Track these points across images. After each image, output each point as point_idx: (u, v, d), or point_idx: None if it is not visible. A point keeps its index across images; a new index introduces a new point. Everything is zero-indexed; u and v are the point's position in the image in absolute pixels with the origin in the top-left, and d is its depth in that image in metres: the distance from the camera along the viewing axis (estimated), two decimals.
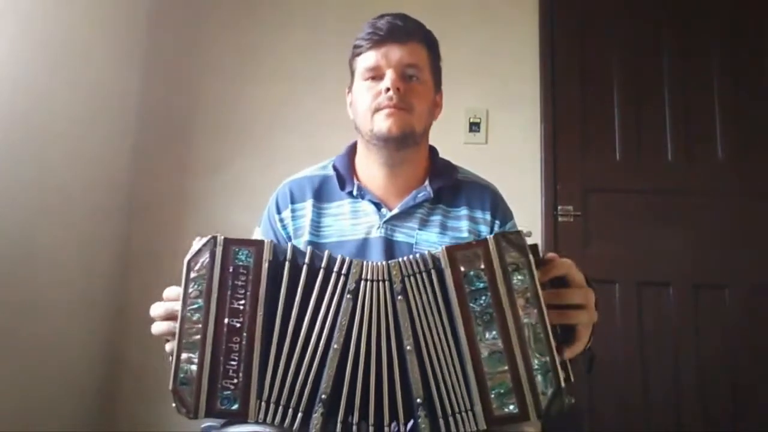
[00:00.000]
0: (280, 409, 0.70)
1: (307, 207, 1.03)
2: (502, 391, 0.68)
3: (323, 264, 0.73)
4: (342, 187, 1.03)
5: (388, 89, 0.95)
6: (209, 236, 0.72)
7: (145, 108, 2.28)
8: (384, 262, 0.74)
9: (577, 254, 2.10)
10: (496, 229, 1.03)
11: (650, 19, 2.27)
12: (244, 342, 0.71)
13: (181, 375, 0.70)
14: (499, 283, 0.70)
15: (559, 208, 2.15)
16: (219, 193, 2.23)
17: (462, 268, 0.71)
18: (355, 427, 0.70)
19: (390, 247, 0.98)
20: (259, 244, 0.73)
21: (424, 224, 1.01)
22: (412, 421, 0.70)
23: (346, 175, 1.04)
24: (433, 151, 1.10)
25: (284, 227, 1.04)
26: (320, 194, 1.05)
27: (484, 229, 1.02)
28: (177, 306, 0.73)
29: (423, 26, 1.03)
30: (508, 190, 1.11)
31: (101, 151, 2.05)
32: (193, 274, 0.72)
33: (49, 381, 1.78)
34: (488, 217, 1.03)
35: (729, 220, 2.11)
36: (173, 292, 0.77)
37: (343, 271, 0.73)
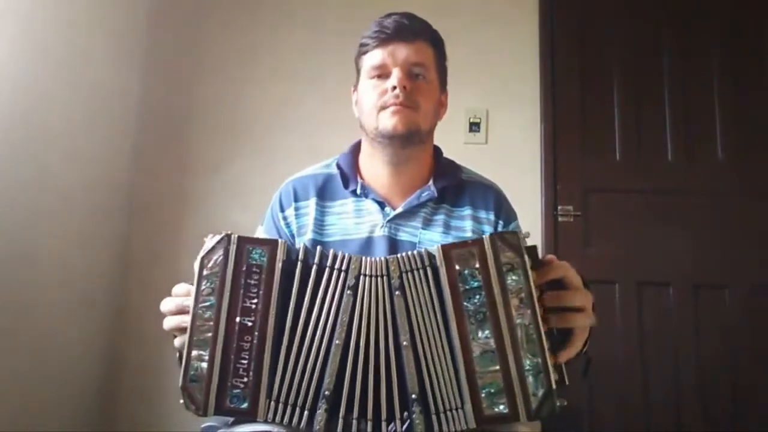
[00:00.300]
0: (289, 408, 0.70)
1: (310, 205, 1.04)
2: (492, 390, 0.69)
3: (328, 262, 0.74)
4: (346, 186, 1.04)
5: (394, 87, 0.95)
6: (223, 234, 0.73)
7: (145, 108, 2.28)
8: (383, 258, 0.74)
9: (577, 254, 2.10)
10: (500, 229, 1.03)
11: (650, 19, 2.27)
12: (255, 341, 0.71)
13: (191, 372, 0.70)
14: (494, 282, 0.70)
15: (559, 208, 2.15)
16: (219, 193, 2.23)
17: (457, 267, 0.71)
18: (354, 422, 0.70)
19: (393, 246, 0.98)
20: (273, 243, 0.73)
21: (427, 224, 1.01)
22: (407, 418, 0.70)
23: (350, 174, 1.04)
24: (437, 150, 1.11)
25: (287, 225, 1.04)
26: (324, 192, 1.05)
27: (487, 230, 1.02)
28: (188, 302, 0.73)
29: (430, 26, 1.03)
30: (508, 190, 1.11)
31: (101, 151, 2.05)
32: (206, 272, 0.72)
33: (49, 381, 1.77)
34: (492, 217, 1.03)
35: (729, 220, 2.11)
36: (182, 288, 0.77)
37: (343, 267, 0.73)
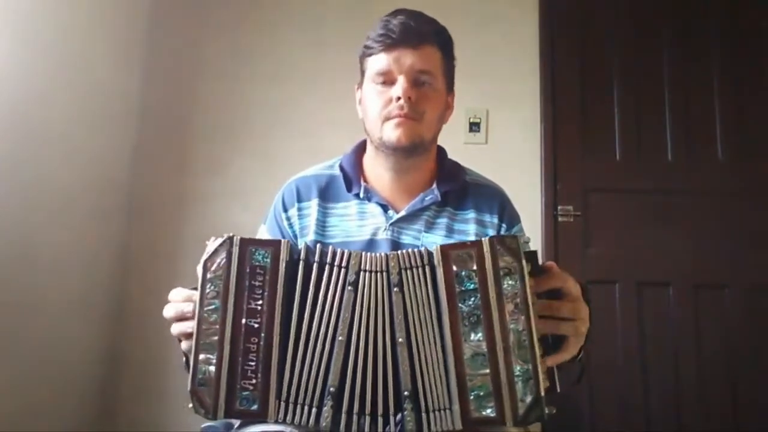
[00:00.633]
0: (298, 407, 0.71)
1: (312, 206, 1.03)
2: (481, 393, 0.69)
3: (328, 259, 0.74)
4: (349, 189, 1.03)
5: (399, 98, 0.94)
6: (225, 236, 0.73)
7: (145, 108, 2.28)
8: (383, 254, 0.74)
9: (577, 254, 2.10)
10: (503, 232, 1.03)
11: (650, 20, 2.27)
12: (262, 342, 0.71)
13: (200, 376, 0.70)
14: (490, 286, 0.70)
15: (559, 208, 2.15)
16: (219, 193, 2.23)
17: (454, 268, 0.71)
18: (355, 417, 0.71)
19: (396, 249, 0.98)
20: (276, 244, 0.73)
21: (430, 227, 1.01)
22: (400, 416, 0.71)
23: (353, 176, 1.04)
24: (441, 152, 1.10)
25: (290, 225, 1.04)
26: (326, 194, 1.04)
27: (491, 233, 1.02)
28: (188, 307, 0.73)
29: (437, 25, 1.01)
30: (508, 190, 1.10)
31: (101, 151, 2.04)
32: (209, 275, 0.72)
33: (49, 381, 1.78)
34: (495, 220, 1.03)
35: (729, 220, 2.11)
36: (179, 293, 0.77)
37: (343, 263, 0.74)
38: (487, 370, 0.69)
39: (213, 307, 0.71)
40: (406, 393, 0.70)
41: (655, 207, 2.14)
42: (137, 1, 2.26)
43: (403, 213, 1.01)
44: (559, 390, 0.71)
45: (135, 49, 2.26)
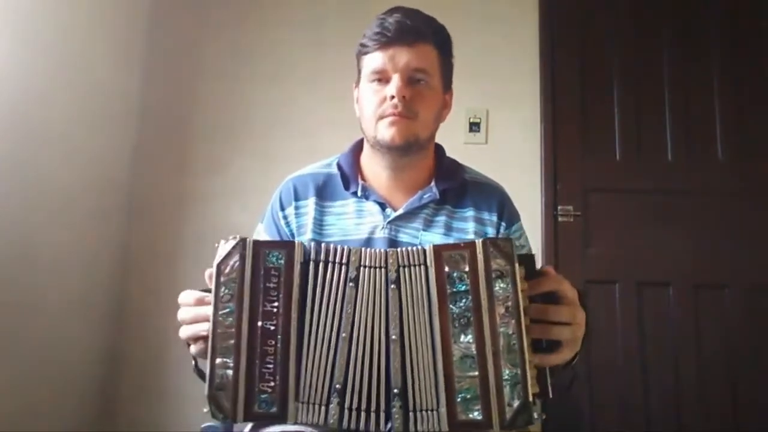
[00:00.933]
0: (312, 407, 0.71)
1: (309, 205, 1.03)
2: (468, 396, 0.68)
3: (331, 257, 0.74)
4: (347, 188, 1.03)
5: (393, 96, 0.93)
6: (237, 239, 0.72)
7: (145, 108, 2.28)
8: (383, 250, 0.74)
9: (577, 254, 2.10)
10: (503, 231, 1.02)
11: (650, 19, 2.27)
12: (278, 344, 0.71)
13: (217, 380, 0.70)
14: (481, 288, 0.70)
15: (559, 208, 2.15)
16: (219, 193, 2.23)
17: (446, 268, 0.71)
18: (354, 413, 0.71)
19: (394, 248, 0.98)
20: (290, 245, 0.73)
21: (428, 225, 1.00)
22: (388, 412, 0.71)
23: (350, 175, 1.04)
24: (440, 149, 1.09)
25: (288, 224, 1.04)
26: (323, 192, 1.04)
27: (490, 231, 1.02)
28: (202, 310, 0.73)
29: (434, 23, 1.00)
30: (508, 190, 1.10)
31: (101, 151, 2.05)
32: (223, 278, 0.71)
33: (49, 381, 1.78)
34: (494, 218, 1.03)
35: (729, 220, 2.11)
36: (189, 296, 0.77)
37: (344, 260, 0.74)
38: (476, 373, 0.68)
39: (228, 310, 0.71)
40: (395, 390, 0.70)
41: (655, 207, 2.14)
42: (137, 1, 2.27)
43: (401, 211, 1.00)
44: (551, 396, 0.70)
45: (135, 49, 2.26)
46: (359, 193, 1.02)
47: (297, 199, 1.04)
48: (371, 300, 0.72)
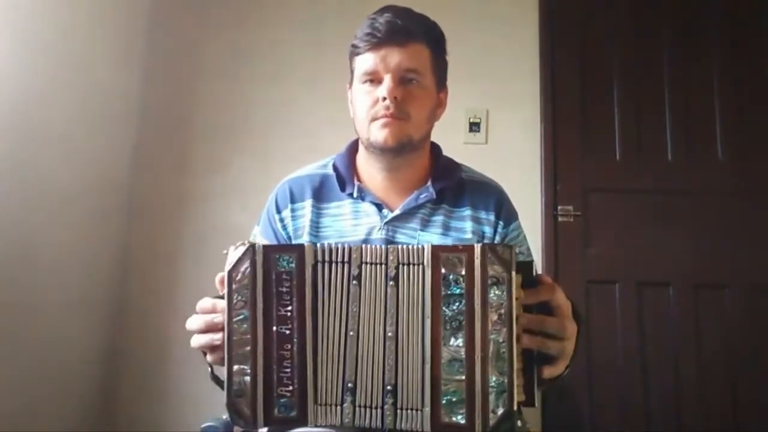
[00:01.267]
0: (329, 408, 0.71)
1: (306, 207, 1.03)
2: (454, 399, 0.69)
3: (334, 257, 0.74)
4: (342, 189, 1.02)
5: (385, 98, 0.93)
6: (246, 244, 0.72)
7: (145, 108, 2.29)
8: (383, 246, 0.74)
9: (577, 254, 2.10)
10: (500, 229, 1.02)
11: (650, 19, 2.27)
12: (295, 348, 0.71)
13: (235, 387, 0.70)
14: (476, 293, 0.69)
15: (559, 208, 2.14)
16: (219, 193, 2.23)
17: (443, 270, 0.71)
18: (359, 409, 0.71)
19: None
20: (300, 248, 0.73)
21: (425, 225, 1.00)
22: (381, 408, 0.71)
23: (346, 176, 1.03)
24: (436, 148, 1.09)
25: (284, 227, 1.04)
26: (320, 194, 1.03)
27: (488, 230, 1.01)
28: (218, 318, 0.73)
29: (426, 21, 0.99)
30: (508, 190, 1.10)
31: (101, 151, 2.05)
32: (235, 285, 0.71)
33: (49, 381, 1.78)
34: (492, 217, 1.02)
35: (729, 220, 2.11)
36: (208, 303, 0.77)
37: (346, 258, 0.74)
38: (463, 377, 0.68)
39: (242, 317, 0.71)
40: (389, 387, 0.71)
41: (655, 207, 2.14)
42: (137, 1, 2.27)
43: (397, 212, 1.00)
44: (536, 406, 0.70)
45: (135, 49, 2.26)
46: (355, 194, 1.01)
47: (293, 201, 1.04)
48: (372, 297, 0.73)
